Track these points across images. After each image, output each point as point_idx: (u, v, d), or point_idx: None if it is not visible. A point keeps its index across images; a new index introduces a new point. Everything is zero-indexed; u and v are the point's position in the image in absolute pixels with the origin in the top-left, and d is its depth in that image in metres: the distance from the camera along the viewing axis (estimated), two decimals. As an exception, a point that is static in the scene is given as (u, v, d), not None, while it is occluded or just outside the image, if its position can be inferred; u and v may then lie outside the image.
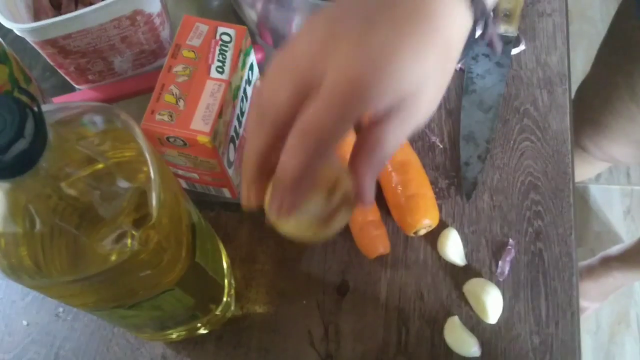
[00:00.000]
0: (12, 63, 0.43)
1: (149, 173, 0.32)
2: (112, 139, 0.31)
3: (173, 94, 0.47)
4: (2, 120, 0.25)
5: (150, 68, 0.59)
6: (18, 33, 0.49)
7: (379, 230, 0.52)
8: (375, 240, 0.52)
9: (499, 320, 0.51)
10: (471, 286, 0.52)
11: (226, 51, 0.49)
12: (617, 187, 1.49)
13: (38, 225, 0.30)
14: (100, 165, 0.30)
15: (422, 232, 0.53)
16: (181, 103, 0.46)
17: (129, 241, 0.31)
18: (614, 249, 1.19)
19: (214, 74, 0.48)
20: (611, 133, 0.80)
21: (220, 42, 0.49)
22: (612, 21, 0.76)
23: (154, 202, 0.32)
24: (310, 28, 0.31)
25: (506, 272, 0.52)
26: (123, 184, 0.31)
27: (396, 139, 0.32)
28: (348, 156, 0.34)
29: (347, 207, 0.48)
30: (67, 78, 0.58)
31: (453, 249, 0.52)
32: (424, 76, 0.30)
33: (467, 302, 0.52)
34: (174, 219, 0.35)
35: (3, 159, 0.25)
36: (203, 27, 0.49)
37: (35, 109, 0.26)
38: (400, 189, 0.52)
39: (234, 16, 0.63)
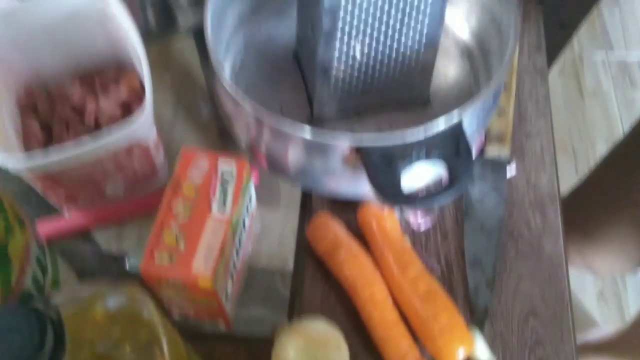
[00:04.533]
0: (8, 211, 0.42)
1: (163, 353, 0.31)
2: (125, 321, 0.30)
3: (173, 233, 0.46)
4: (19, 335, 0.23)
5: (143, 191, 0.58)
6: (10, 170, 0.48)
7: None
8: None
9: None
10: None
11: (227, 187, 0.48)
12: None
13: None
14: (113, 353, 0.29)
15: None
16: (181, 243, 0.45)
17: None
18: (592, 337, 1.20)
19: (215, 211, 0.47)
20: (600, 242, 0.81)
21: (222, 178, 0.48)
22: (635, 128, 0.78)
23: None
24: None
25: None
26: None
27: None
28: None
29: None
30: (56, 203, 0.56)
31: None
32: None
33: None
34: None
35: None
36: (203, 161, 0.49)
37: (54, 316, 0.24)
38: (432, 320, 0.51)
39: (222, 134, 0.63)
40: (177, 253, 0.45)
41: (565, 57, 1.81)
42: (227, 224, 0.46)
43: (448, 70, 0.65)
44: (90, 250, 0.59)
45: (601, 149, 1.67)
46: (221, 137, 0.65)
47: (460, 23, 0.66)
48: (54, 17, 0.56)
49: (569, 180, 0.97)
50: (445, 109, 0.63)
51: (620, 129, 1.71)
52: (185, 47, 0.69)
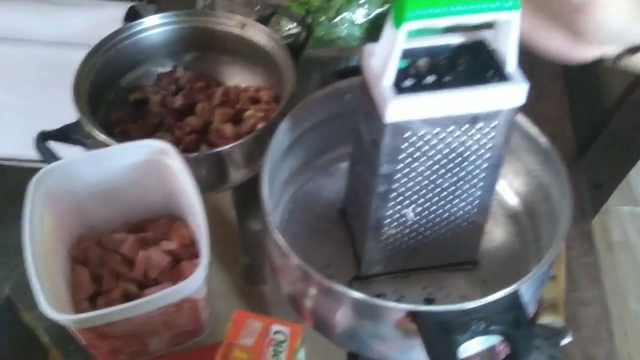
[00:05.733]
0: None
1: None
2: None
3: (222, 404, 0.43)
4: None
5: (184, 346, 0.56)
6: (61, 323, 0.47)
7: None
8: None
9: None
10: None
11: (280, 352, 0.46)
12: None
13: None
14: None
15: None
16: (230, 415, 0.43)
17: None
18: None
19: (267, 379, 0.45)
20: None
21: (274, 342, 0.47)
22: None
23: None
24: None
25: None
26: None
27: None
28: None
29: None
30: (97, 356, 0.54)
31: None
32: None
33: None
34: None
35: None
36: (256, 324, 0.47)
37: None
38: None
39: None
40: None
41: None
42: (279, 393, 0.44)
43: (495, 231, 0.65)
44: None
45: (634, 305, 1.62)
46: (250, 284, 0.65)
47: (506, 186, 0.67)
48: (113, 168, 0.58)
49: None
50: (493, 271, 0.62)
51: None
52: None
